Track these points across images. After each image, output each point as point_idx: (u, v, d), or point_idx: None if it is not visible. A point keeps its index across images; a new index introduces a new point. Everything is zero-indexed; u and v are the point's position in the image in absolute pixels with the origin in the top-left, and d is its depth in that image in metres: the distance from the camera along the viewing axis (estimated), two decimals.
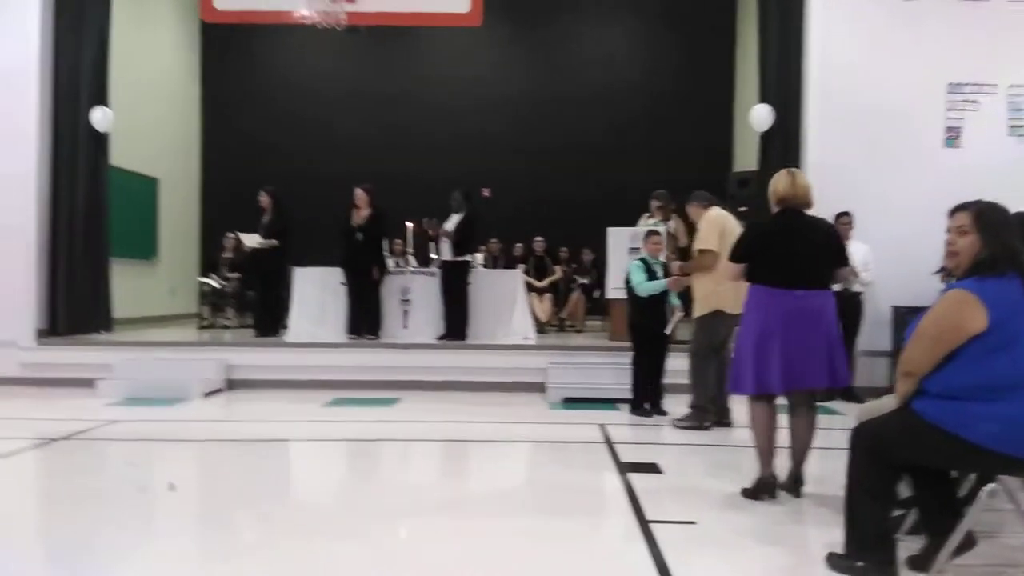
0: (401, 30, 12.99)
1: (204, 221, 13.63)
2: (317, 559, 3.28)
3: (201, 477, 5.04)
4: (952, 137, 8.19)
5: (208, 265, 11.47)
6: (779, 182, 4.26)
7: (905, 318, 7.53)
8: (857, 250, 7.40)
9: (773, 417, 4.20)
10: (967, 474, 3.46)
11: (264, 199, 9.05)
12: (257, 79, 13.83)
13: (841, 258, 4.37)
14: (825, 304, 4.11)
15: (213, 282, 10.82)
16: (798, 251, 4.12)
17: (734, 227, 5.86)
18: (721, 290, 5.77)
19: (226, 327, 10.61)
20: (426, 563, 3.27)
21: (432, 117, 13.42)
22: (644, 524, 3.69)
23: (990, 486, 2.98)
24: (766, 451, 4.19)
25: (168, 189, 12.58)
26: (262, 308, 9.24)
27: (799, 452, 4.24)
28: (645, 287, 6.37)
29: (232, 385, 8.00)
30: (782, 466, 4.28)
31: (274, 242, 8.91)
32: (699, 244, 6.01)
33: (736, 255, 4.30)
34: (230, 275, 10.80)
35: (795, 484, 4.24)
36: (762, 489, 4.16)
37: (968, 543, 3.03)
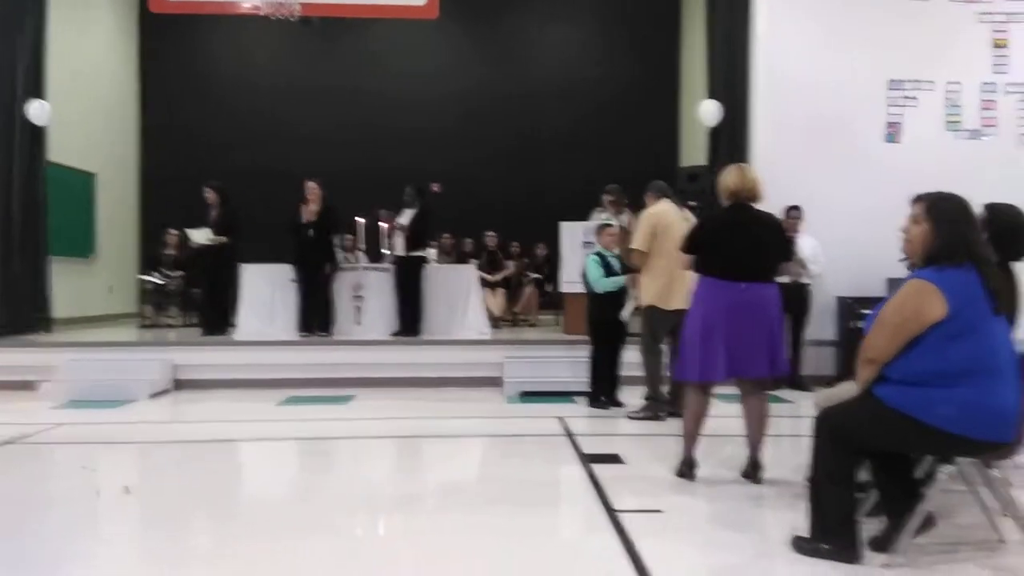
0: (353, 22, 12.85)
1: (143, 217, 13.24)
2: (275, 560, 3.22)
3: (153, 480, 4.89)
4: (892, 133, 8.46)
5: (149, 262, 11.13)
6: (728, 177, 4.37)
7: (850, 308, 7.76)
8: (806, 243, 7.59)
9: (705, 405, 4.36)
10: (924, 457, 3.59)
11: (210, 195, 8.83)
12: (200, 70, 13.49)
13: (787, 252, 4.51)
14: (769, 296, 4.24)
15: (155, 279, 10.52)
16: (744, 245, 4.23)
17: (672, 222, 5.92)
18: (654, 286, 5.91)
19: (170, 326, 10.33)
20: (388, 561, 3.23)
21: (384, 111, 13.29)
22: (611, 514, 3.72)
23: (948, 468, 3.09)
24: (690, 435, 4.38)
25: (106, 184, 12.17)
26: (209, 306, 9.02)
27: (754, 439, 4.37)
28: (603, 283, 6.41)
29: (179, 386, 7.80)
30: (741, 455, 4.38)
31: (223, 239, 8.72)
32: (632, 242, 6.11)
33: (685, 246, 4.44)
34: (173, 273, 10.51)
35: (754, 470, 4.35)
36: (684, 468, 4.38)
37: (927, 524, 3.14)
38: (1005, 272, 3.42)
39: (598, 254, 6.56)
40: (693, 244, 4.37)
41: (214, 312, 8.89)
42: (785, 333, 5.77)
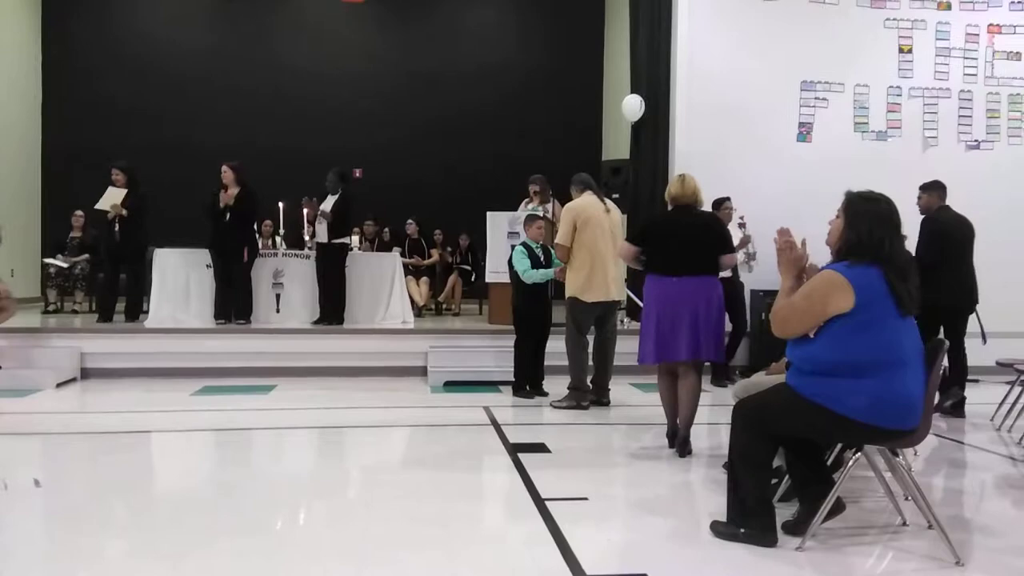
0: (273, 1, 12.50)
1: (47, 197, 12.59)
2: (192, 556, 3.15)
3: (63, 474, 4.69)
4: (804, 132, 8.80)
5: (53, 245, 10.60)
6: (672, 185, 4.95)
7: (763, 301, 8.05)
8: (735, 235, 7.81)
9: (669, 386, 4.87)
10: (833, 444, 3.77)
11: (117, 177, 8.42)
12: (109, 44, 12.88)
13: (723, 246, 4.87)
14: (700, 289, 4.68)
15: (59, 263, 10.02)
16: (678, 242, 4.74)
17: (592, 216, 6.05)
18: (575, 279, 6.07)
19: (75, 312, 9.88)
20: (310, 555, 3.20)
21: (305, 92, 13.01)
22: (539, 502, 3.77)
23: (857, 454, 3.26)
24: (668, 412, 4.92)
25: (6, 161, 11.50)
26: (111, 292, 8.60)
27: (682, 418, 4.83)
28: (531, 275, 6.47)
29: (87, 374, 7.49)
30: (662, 441, 4.51)
31: (123, 211, 8.23)
32: (556, 237, 6.24)
33: (632, 237, 5.05)
34: (78, 256, 10.04)
35: (682, 446, 4.76)
36: (671, 439, 4.88)
37: (838, 508, 3.30)
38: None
39: (524, 245, 6.61)
40: (640, 239, 4.90)
41: (113, 297, 8.52)
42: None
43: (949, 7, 8.87)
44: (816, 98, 8.79)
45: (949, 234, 6.35)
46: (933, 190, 6.60)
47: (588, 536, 3.33)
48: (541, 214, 7.25)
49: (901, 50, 8.83)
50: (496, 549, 3.28)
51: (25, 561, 3.12)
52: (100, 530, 3.51)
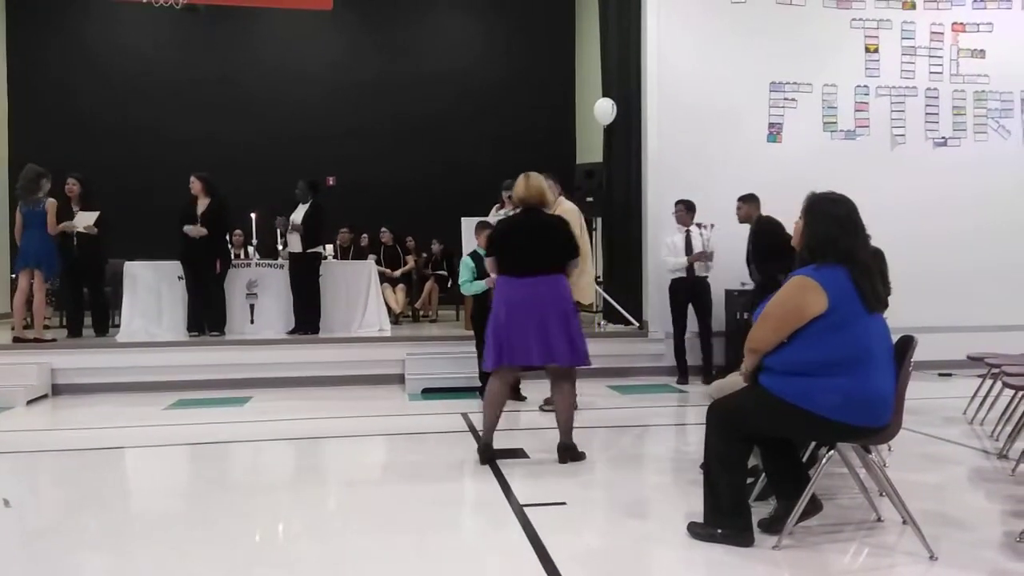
0: (240, 10, 12.40)
1: (13, 209, 12.35)
2: (171, 569, 3.11)
3: (34, 492, 4.62)
4: (774, 133, 8.86)
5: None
6: (517, 185, 4.76)
7: (736, 300, 8.10)
8: (695, 236, 7.86)
9: (501, 392, 4.72)
10: (808, 443, 3.80)
11: (72, 187, 8.28)
12: (73, 56, 12.70)
13: (570, 251, 4.73)
14: (549, 290, 4.57)
15: None
16: (526, 244, 4.62)
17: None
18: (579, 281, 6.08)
19: (45, 327, 9.71)
20: (291, 562, 3.17)
21: (275, 101, 12.92)
22: (518, 509, 3.76)
23: (830, 452, 3.28)
24: (487, 421, 4.72)
25: None
26: (75, 306, 8.50)
27: (561, 423, 4.69)
28: (467, 288, 6.53)
29: (57, 391, 7.37)
30: (639, 444, 4.51)
31: (95, 230, 8.15)
32: None
33: (487, 250, 4.85)
34: None
35: (563, 452, 4.65)
36: (481, 453, 4.66)
37: (814, 507, 3.32)
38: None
39: (473, 253, 6.60)
40: (492, 246, 4.76)
41: (80, 312, 8.41)
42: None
43: (914, 6, 8.99)
44: (785, 99, 8.86)
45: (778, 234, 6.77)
46: (752, 201, 7.27)
47: (566, 541, 3.33)
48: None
49: (867, 50, 8.94)
50: (474, 557, 3.27)
51: None
52: (72, 549, 3.45)
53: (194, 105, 12.70)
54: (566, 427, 4.68)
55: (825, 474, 3.42)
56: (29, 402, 6.91)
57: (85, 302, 8.56)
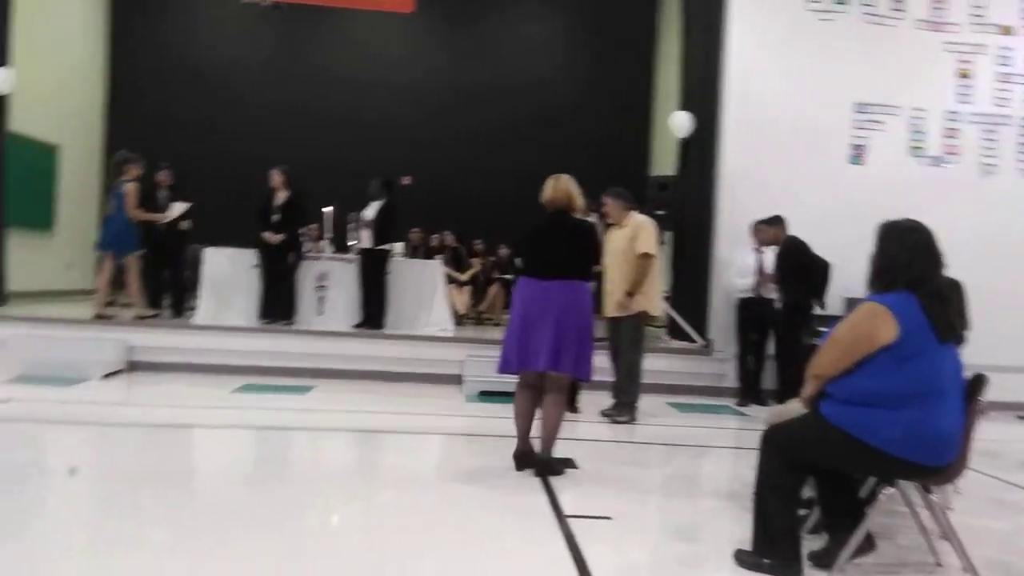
0: (325, 10, 12.73)
1: (106, 194, 12.96)
2: (222, 550, 3.20)
3: (101, 463, 4.82)
4: (857, 155, 8.60)
5: None
6: (545, 187, 4.70)
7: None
8: (767, 257, 7.66)
9: (526, 399, 4.57)
10: (867, 477, 3.67)
11: (163, 176, 8.70)
12: (169, 49, 13.28)
13: (592, 256, 4.69)
14: (565, 296, 4.44)
15: None
16: (549, 247, 4.55)
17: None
18: (650, 292, 6.23)
19: (127, 305, 10.14)
20: (336, 554, 3.23)
21: (354, 101, 13.23)
22: (560, 518, 3.75)
23: (889, 489, 3.16)
24: (519, 429, 4.58)
25: (69, 158, 11.93)
26: (157, 288, 8.89)
27: (545, 435, 4.51)
28: None
29: (133, 367, 7.67)
30: (694, 465, 4.43)
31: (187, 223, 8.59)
32: (644, 248, 6.18)
33: (515, 251, 4.70)
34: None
35: (540, 465, 4.49)
36: (516, 460, 4.53)
37: (868, 545, 3.20)
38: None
39: None
40: (519, 249, 4.80)
41: (158, 292, 8.78)
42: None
43: (1011, 32, 8.61)
44: (870, 120, 8.60)
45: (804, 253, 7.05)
46: (778, 223, 7.26)
47: (607, 557, 3.30)
48: None
49: (960, 75, 8.60)
50: (509, 563, 3.26)
51: (59, 548, 3.20)
52: (128, 521, 3.59)
53: (277, 99, 13.10)
54: (548, 439, 4.51)
55: (885, 512, 3.29)
56: (105, 376, 7.21)
57: (165, 284, 8.92)
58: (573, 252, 4.54)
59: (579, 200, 4.69)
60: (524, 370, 4.49)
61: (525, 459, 4.55)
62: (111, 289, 10.26)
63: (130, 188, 8.03)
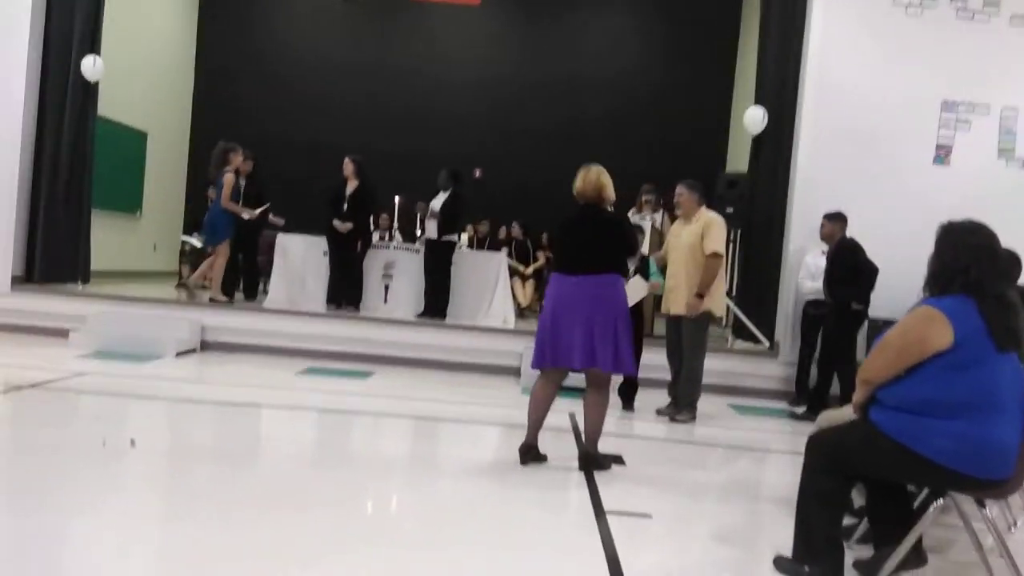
0: (399, 5, 12.95)
1: (191, 179, 13.52)
2: (278, 527, 3.27)
3: (167, 437, 5.03)
4: (942, 155, 8.22)
5: (192, 224, 11.38)
6: (576, 179, 4.56)
7: (881, 330, 7.58)
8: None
9: (544, 392, 4.50)
10: (921, 488, 3.51)
11: (245, 164, 8.98)
12: (253, 41, 13.75)
13: (625, 248, 4.57)
14: (596, 291, 4.31)
15: (194, 241, 10.73)
16: (580, 241, 4.43)
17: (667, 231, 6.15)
18: (715, 292, 6.12)
19: (204, 287, 10.54)
20: (389, 538, 3.28)
21: (426, 94, 13.40)
22: (600, 515, 3.71)
23: (940, 501, 3.02)
24: (531, 421, 4.51)
25: (157, 144, 12.47)
26: (233, 272, 9.20)
27: (588, 431, 4.48)
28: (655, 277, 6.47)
29: (205, 346, 7.97)
30: (747, 468, 4.33)
31: (265, 209, 8.86)
32: (714, 246, 6.06)
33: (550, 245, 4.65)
34: None
35: (584, 460, 4.45)
36: (522, 453, 4.47)
37: (918, 559, 3.07)
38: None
39: None
40: (553, 244, 4.41)
41: (235, 278, 9.07)
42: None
43: None
44: (958, 120, 8.20)
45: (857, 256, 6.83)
46: (838, 220, 6.98)
47: (641, 555, 3.26)
48: (644, 225, 7.15)
49: None
50: (540, 554, 3.26)
51: (111, 516, 3.36)
52: (177, 494, 3.74)
53: (352, 90, 13.41)
54: (592, 435, 4.47)
55: (940, 525, 3.15)
56: (178, 354, 7.51)
57: (240, 268, 9.24)
58: (603, 246, 4.41)
59: (609, 192, 4.53)
60: (556, 366, 4.41)
61: (530, 452, 4.50)
62: (191, 272, 10.73)
63: (227, 179, 8.32)
